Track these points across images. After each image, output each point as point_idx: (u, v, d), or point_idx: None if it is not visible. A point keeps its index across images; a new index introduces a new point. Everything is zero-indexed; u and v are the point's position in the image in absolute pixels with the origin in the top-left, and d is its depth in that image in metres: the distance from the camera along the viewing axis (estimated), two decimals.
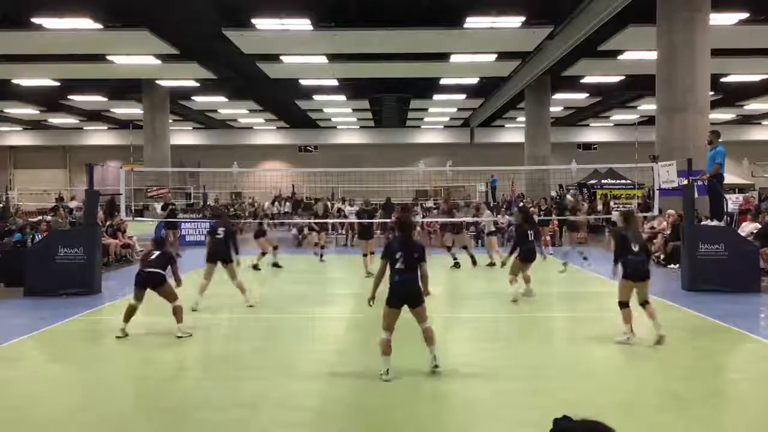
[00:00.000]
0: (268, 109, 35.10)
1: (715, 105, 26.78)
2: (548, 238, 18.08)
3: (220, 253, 9.96)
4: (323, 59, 21.56)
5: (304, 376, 6.42)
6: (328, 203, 22.87)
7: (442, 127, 43.51)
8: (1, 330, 8.41)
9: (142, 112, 30.19)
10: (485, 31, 17.94)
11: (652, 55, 16.67)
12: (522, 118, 32.15)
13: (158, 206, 23.31)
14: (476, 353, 7.33)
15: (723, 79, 25.23)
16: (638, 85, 26.19)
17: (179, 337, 7.92)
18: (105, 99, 30.58)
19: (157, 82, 27.36)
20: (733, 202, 16.14)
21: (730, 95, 29.37)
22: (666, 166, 12.97)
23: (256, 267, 14.44)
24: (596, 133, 42.70)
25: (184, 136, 41.40)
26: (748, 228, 13.41)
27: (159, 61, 22.00)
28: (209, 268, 9.99)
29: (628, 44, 19.72)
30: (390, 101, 32.15)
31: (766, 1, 16.11)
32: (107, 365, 7.09)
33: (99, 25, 17.32)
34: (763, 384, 6.27)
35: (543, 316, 9.72)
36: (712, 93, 18.05)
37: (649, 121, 30.51)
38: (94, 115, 36.36)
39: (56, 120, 38.46)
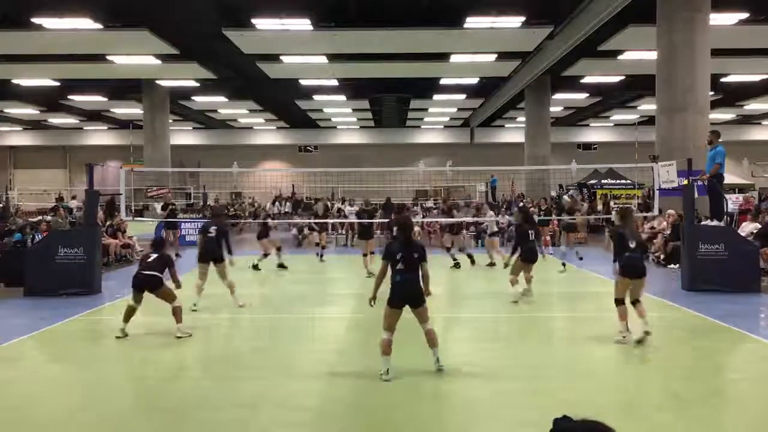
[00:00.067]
0: (268, 109, 35.10)
1: (715, 105, 26.79)
2: (548, 238, 18.08)
3: (212, 251, 9.89)
4: (323, 59, 21.56)
5: (304, 376, 6.42)
6: (328, 203, 22.88)
7: (442, 127, 43.51)
8: (1, 330, 8.41)
9: (142, 112, 30.18)
10: (485, 31, 17.94)
11: (652, 55, 16.67)
12: (522, 118, 32.15)
13: (158, 206, 23.31)
14: (476, 353, 7.33)
15: (723, 79, 25.23)
16: (638, 85, 26.19)
17: (179, 337, 7.92)
18: (105, 99, 30.58)
19: (157, 82, 27.35)
20: (733, 202, 16.13)
21: (730, 95, 29.37)
22: (666, 166, 12.97)
23: (256, 267, 14.43)
24: (596, 133, 42.69)
25: (184, 136, 41.39)
26: (748, 228, 13.41)
27: (159, 61, 22.00)
28: (202, 267, 9.93)
29: (628, 44, 19.71)
30: (390, 101, 32.15)
31: (766, 1, 16.11)
32: (107, 365, 7.10)
33: (99, 25, 17.31)
34: (763, 384, 6.27)
35: (543, 316, 9.72)
36: (712, 93, 18.05)
37: (649, 121, 30.51)
38: (94, 115, 36.36)
39: (56, 120, 38.45)
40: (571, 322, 9.62)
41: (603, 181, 27.88)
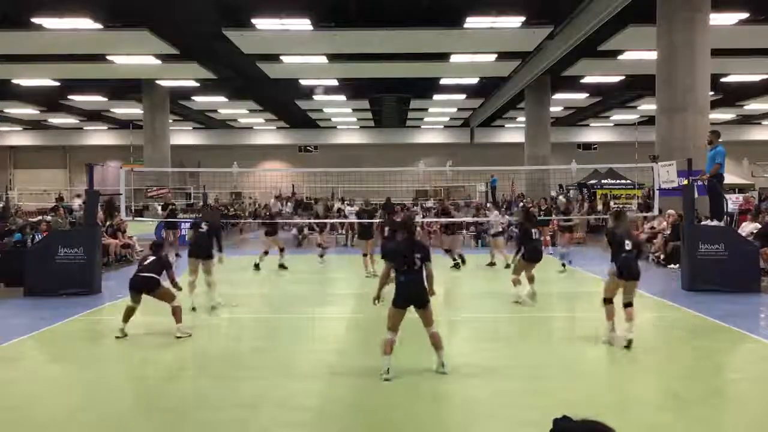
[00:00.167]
0: (268, 109, 35.11)
1: (715, 105, 26.78)
2: (548, 238, 18.07)
3: (203, 247, 9.87)
4: (323, 59, 21.57)
5: (304, 376, 6.41)
6: (328, 204, 22.89)
7: (442, 127, 43.51)
8: (1, 330, 8.41)
9: (142, 112, 30.19)
10: (485, 31, 17.94)
11: (652, 55, 16.67)
12: (522, 118, 32.15)
13: (158, 206, 23.30)
14: (476, 353, 7.33)
15: (723, 79, 25.23)
16: (638, 85, 26.19)
17: (178, 337, 7.91)
18: (105, 99, 30.59)
19: (157, 82, 27.36)
20: (733, 202, 16.13)
21: (730, 95, 29.37)
22: (666, 166, 12.97)
23: (257, 266, 14.42)
24: (596, 133, 42.70)
25: (184, 136, 41.40)
26: (748, 228, 13.40)
27: (159, 61, 22.00)
28: (192, 264, 9.89)
29: (628, 44, 19.72)
30: (390, 101, 32.16)
31: (766, 1, 16.11)
32: (107, 365, 7.10)
33: (99, 25, 17.32)
34: (763, 384, 6.27)
35: (543, 316, 9.71)
36: (712, 93, 18.05)
37: (649, 121, 30.51)
38: (94, 115, 36.37)
39: (56, 120, 38.46)
40: (571, 322, 9.62)
41: (603, 181, 27.85)
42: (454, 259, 14.58)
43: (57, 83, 25.73)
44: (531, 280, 10.49)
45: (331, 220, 20.40)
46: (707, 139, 12.98)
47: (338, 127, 43.27)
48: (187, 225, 20.54)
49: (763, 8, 16.52)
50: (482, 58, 21.56)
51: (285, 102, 32.25)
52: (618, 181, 27.66)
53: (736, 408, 5.74)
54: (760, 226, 13.19)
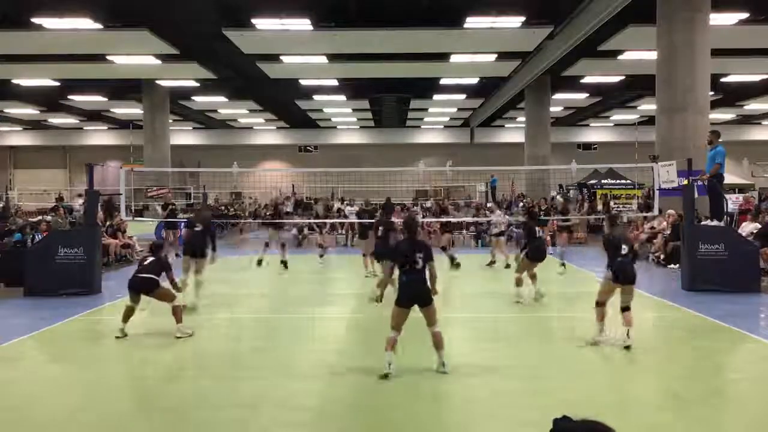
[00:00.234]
0: (268, 109, 35.10)
1: (715, 105, 26.79)
2: (548, 238, 18.06)
3: (198, 245, 9.89)
4: (323, 59, 21.57)
5: (304, 376, 6.42)
6: (329, 204, 22.88)
7: (442, 127, 43.50)
8: (1, 330, 8.42)
9: (142, 112, 30.18)
10: (485, 31, 17.94)
11: (652, 55, 16.67)
12: (522, 118, 32.14)
13: (158, 206, 23.30)
14: (476, 353, 7.33)
15: (723, 79, 25.22)
16: (638, 85, 26.18)
17: (178, 337, 7.91)
18: (105, 99, 30.58)
19: (157, 82, 27.36)
20: (733, 202, 16.13)
21: (730, 95, 29.37)
22: (666, 166, 12.98)
23: (259, 263, 14.42)
24: (596, 133, 42.69)
25: (184, 136, 41.40)
26: (748, 228, 13.40)
27: (159, 61, 22.00)
28: (185, 262, 9.90)
29: (628, 44, 19.71)
30: (390, 101, 32.15)
31: (766, 1, 16.11)
32: (107, 365, 7.10)
33: (99, 25, 17.31)
34: (763, 384, 6.27)
35: (543, 316, 9.71)
36: (712, 93, 18.05)
37: (649, 121, 30.51)
38: (94, 115, 36.36)
39: (56, 120, 38.45)
40: (571, 322, 9.60)
41: (603, 181, 27.84)
42: (453, 258, 14.59)
43: (57, 83, 25.73)
44: (533, 278, 10.47)
45: (331, 220, 20.39)
46: (707, 139, 12.98)
47: (338, 127, 43.26)
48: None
49: (763, 8, 16.52)
50: (482, 58, 21.55)
51: (285, 102, 32.25)
52: (618, 181, 27.65)
53: (736, 408, 5.74)
54: (760, 226, 13.19)
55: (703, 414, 5.47)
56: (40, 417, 5.39)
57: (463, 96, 30.61)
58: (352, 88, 27.74)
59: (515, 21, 17.13)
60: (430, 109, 35.41)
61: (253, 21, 17.00)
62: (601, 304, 7.56)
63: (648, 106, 29.34)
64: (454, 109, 35.74)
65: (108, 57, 21.34)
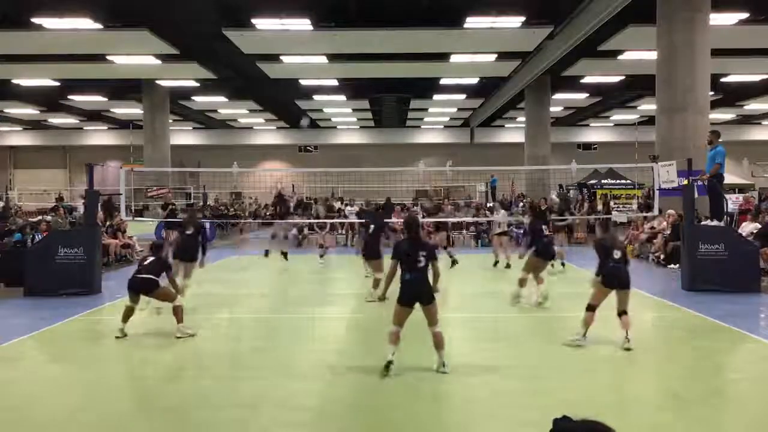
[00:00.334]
0: (268, 109, 35.11)
1: (715, 105, 26.78)
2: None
3: (188, 249, 9.89)
4: (323, 59, 21.57)
5: (304, 376, 6.41)
6: (329, 204, 22.86)
7: (442, 127, 43.51)
8: (1, 330, 8.41)
9: (142, 112, 30.19)
10: (485, 31, 17.95)
11: (652, 55, 16.67)
12: (522, 118, 32.15)
13: (159, 206, 23.30)
14: (476, 353, 7.32)
15: (723, 79, 25.24)
16: (638, 85, 26.19)
17: (179, 337, 7.90)
18: (105, 99, 30.60)
19: (157, 82, 27.37)
20: (733, 202, 16.13)
21: (730, 95, 29.37)
22: (666, 166, 12.98)
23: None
24: (596, 133, 42.70)
25: (184, 136, 41.41)
26: (748, 228, 13.40)
27: (159, 61, 22.01)
28: (175, 265, 9.83)
29: (628, 44, 19.72)
30: (390, 101, 32.16)
31: (766, 1, 16.12)
32: (107, 365, 7.09)
33: (99, 25, 17.32)
34: (763, 384, 6.27)
35: (543, 316, 9.71)
36: (712, 93, 18.05)
37: (649, 121, 30.51)
38: (94, 115, 36.37)
39: (56, 120, 38.47)
40: (570, 322, 9.56)
41: (603, 181, 27.83)
42: (451, 256, 14.62)
43: (57, 83, 25.74)
44: (540, 281, 10.29)
45: (331, 220, 20.36)
46: (707, 139, 12.98)
47: (338, 127, 43.27)
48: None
49: (763, 8, 16.53)
50: (482, 58, 21.56)
51: (285, 102, 32.25)
52: (618, 181, 27.65)
53: (736, 408, 5.74)
54: (760, 226, 13.18)
55: (703, 414, 5.47)
56: (40, 417, 5.39)
57: (463, 96, 30.62)
58: (352, 88, 27.74)
59: (515, 21, 17.14)
60: (430, 109, 35.41)
61: (253, 21, 17.00)
62: (592, 309, 7.48)
63: (648, 106, 29.34)
64: (454, 109, 35.74)
65: (108, 57, 21.35)
